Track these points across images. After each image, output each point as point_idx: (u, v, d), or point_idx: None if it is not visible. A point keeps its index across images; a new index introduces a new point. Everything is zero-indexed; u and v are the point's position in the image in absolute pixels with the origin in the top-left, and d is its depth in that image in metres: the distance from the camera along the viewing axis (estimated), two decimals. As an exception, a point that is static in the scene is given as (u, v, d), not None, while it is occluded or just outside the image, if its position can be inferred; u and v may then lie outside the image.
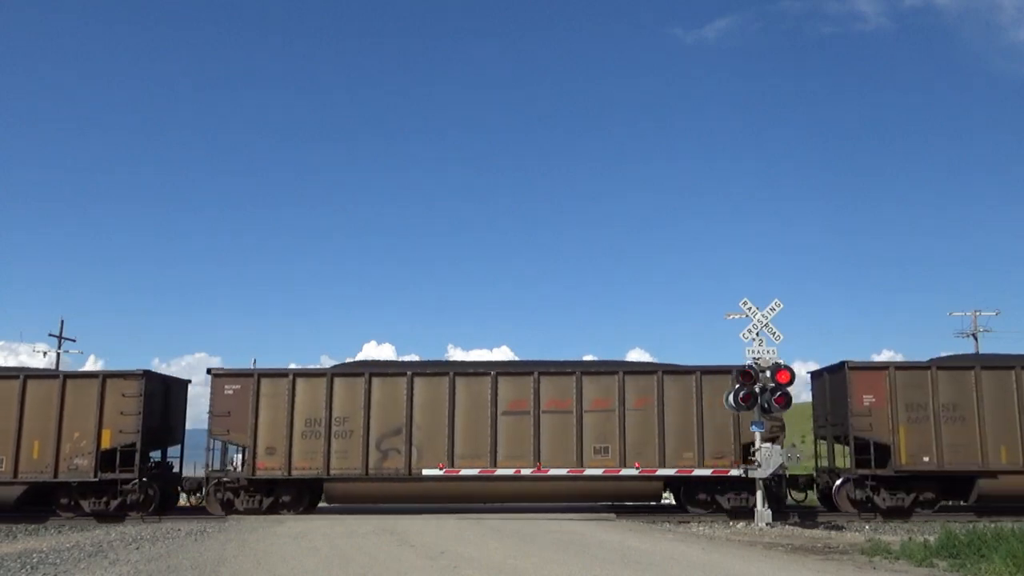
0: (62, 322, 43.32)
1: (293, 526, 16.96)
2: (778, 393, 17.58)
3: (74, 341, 44.00)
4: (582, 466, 19.52)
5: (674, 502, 21.08)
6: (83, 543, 14.77)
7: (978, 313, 43.03)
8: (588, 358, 21.90)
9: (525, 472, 19.48)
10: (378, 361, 21.77)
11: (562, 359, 21.32)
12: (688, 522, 18.56)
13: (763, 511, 17.56)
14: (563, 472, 19.43)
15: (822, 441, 21.67)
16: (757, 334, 18.51)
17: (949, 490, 20.01)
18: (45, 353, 43.01)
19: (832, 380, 20.99)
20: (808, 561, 12.41)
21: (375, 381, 20.16)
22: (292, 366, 21.30)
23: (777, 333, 18.54)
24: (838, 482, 20.16)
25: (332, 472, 19.68)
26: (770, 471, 17.75)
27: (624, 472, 19.40)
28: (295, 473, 19.67)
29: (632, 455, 19.70)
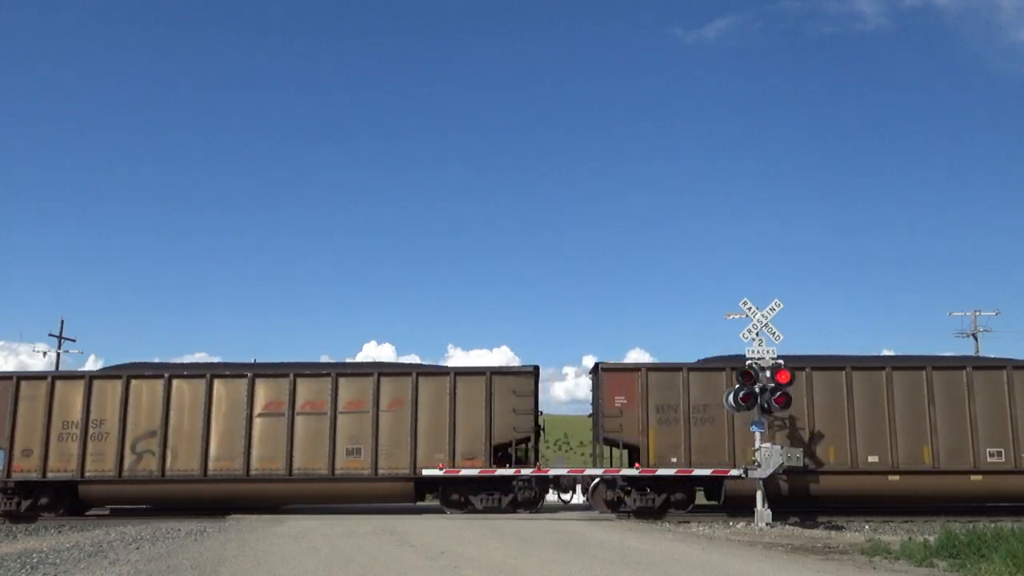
0: (62, 322, 43.43)
1: (293, 526, 16.97)
2: (778, 393, 17.59)
3: (74, 341, 44.14)
4: (334, 468, 19.71)
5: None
6: (83, 543, 14.76)
7: (978, 313, 43.12)
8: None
9: (278, 474, 19.77)
10: (140, 364, 21.79)
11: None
12: (688, 522, 18.58)
13: (763, 511, 17.56)
14: (321, 472, 19.72)
15: (600, 443, 21.34)
16: (757, 334, 18.52)
17: (705, 490, 20.53)
18: (45, 353, 43.10)
19: (595, 381, 21.09)
20: (808, 561, 12.40)
21: (133, 383, 20.40)
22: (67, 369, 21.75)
23: (777, 333, 18.56)
24: (593, 482, 20.21)
25: (87, 474, 19.90)
26: (770, 471, 17.76)
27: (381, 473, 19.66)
28: (50, 475, 19.93)
29: (384, 456, 19.81)
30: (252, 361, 21.70)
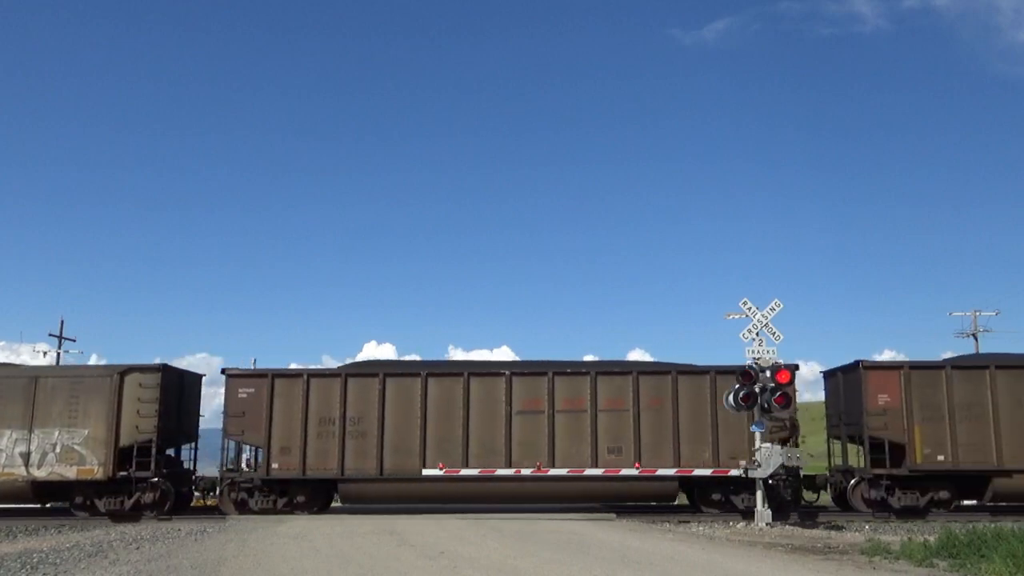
0: (62, 322, 43.32)
1: (293, 526, 16.98)
2: (778, 393, 17.58)
3: (74, 341, 44.01)
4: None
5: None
6: (83, 543, 14.77)
7: (978, 313, 43.07)
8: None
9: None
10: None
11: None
12: (688, 522, 18.58)
13: (763, 511, 17.54)
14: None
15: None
16: (757, 334, 18.51)
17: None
18: (45, 353, 42.97)
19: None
20: (808, 561, 12.41)
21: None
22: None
23: (777, 333, 18.55)
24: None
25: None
26: (770, 471, 17.75)
27: None
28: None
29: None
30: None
